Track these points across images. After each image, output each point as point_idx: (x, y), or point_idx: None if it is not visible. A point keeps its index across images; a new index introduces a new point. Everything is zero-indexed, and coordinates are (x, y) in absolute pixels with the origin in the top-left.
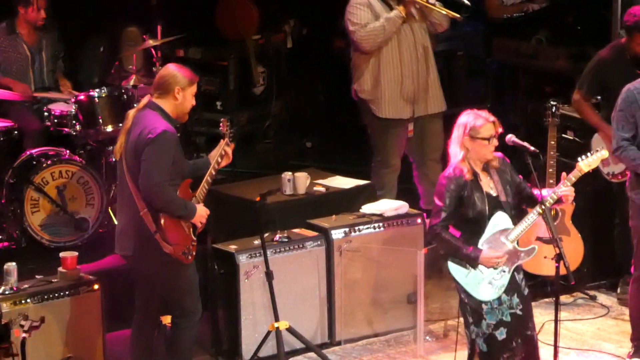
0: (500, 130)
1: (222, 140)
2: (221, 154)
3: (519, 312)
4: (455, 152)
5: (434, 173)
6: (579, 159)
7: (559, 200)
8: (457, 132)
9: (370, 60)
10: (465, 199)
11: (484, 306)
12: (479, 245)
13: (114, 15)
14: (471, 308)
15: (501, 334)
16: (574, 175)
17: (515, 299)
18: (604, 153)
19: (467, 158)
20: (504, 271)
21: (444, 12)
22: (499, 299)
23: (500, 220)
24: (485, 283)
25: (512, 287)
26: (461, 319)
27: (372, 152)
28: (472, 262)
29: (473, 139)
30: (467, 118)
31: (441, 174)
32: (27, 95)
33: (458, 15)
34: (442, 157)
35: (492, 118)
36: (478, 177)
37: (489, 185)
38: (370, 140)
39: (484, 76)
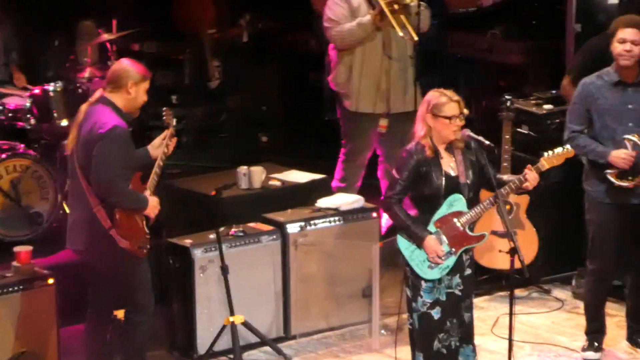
0: (466, 111)
1: (166, 131)
2: (167, 144)
3: (457, 292)
4: (418, 128)
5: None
6: (545, 153)
7: (519, 188)
8: (421, 109)
9: (346, 54)
10: (423, 175)
11: (423, 283)
12: (431, 224)
13: (69, 8)
14: (413, 282)
15: (436, 313)
16: (535, 170)
17: (457, 279)
18: (569, 149)
19: (429, 135)
20: (451, 253)
21: (401, 34)
22: (439, 278)
23: (455, 201)
24: (429, 262)
25: (455, 268)
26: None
27: (342, 143)
28: (417, 241)
29: (435, 116)
30: (432, 95)
31: (404, 147)
32: None
33: (415, 38)
34: None
35: (455, 97)
36: (439, 154)
37: (449, 165)
38: (341, 132)
39: (439, 71)
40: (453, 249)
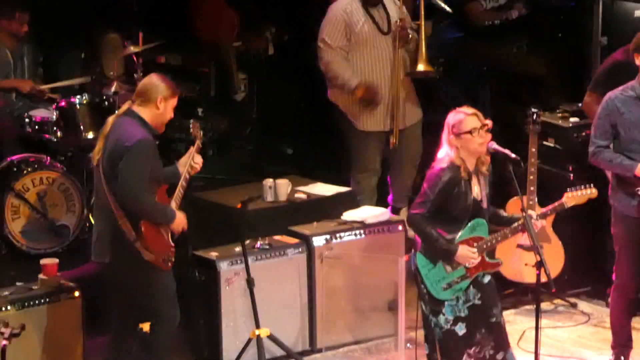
0: (488, 122)
1: (191, 147)
2: (192, 160)
3: (477, 302)
4: (447, 151)
5: (409, 177)
6: (568, 190)
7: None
8: (444, 134)
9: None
10: (455, 196)
11: (443, 302)
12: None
13: (94, 21)
14: (429, 300)
15: (461, 329)
16: (554, 209)
17: (472, 291)
18: (594, 192)
19: (459, 156)
20: (466, 277)
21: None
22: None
23: (479, 226)
24: (444, 283)
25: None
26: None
27: (351, 158)
28: (448, 256)
29: (457, 136)
30: (449, 117)
31: (435, 164)
32: (35, 88)
33: (432, 69)
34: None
35: (470, 111)
36: (471, 177)
37: (475, 190)
38: (348, 146)
39: (463, 83)
40: (468, 274)
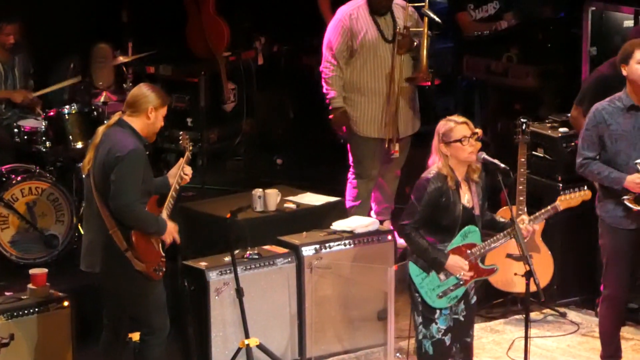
0: (478, 131)
1: (181, 159)
2: (182, 172)
3: (461, 318)
4: (435, 160)
5: (391, 186)
6: (562, 193)
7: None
8: (434, 141)
9: (349, 79)
10: (443, 205)
11: (437, 311)
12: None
13: (84, 31)
14: (423, 309)
15: (448, 339)
16: (547, 213)
17: (461, 306)
18: (587, 193)
19: (447, 164)
20: (461, 284)
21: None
22: (449, 306)
23: (470, 233)
24: (439, 291)
25: (461, 296)
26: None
27: (351, 163)
28: (438, 265)
29: (447, 144)
30: (439, 125)
31: (423, 174)
32: (28, 98)
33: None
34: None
35: (461, 119)
36: (459, 185)
37: (466, 197)
38: (350, 153)
39: (454, 94)
40: (462, 281)
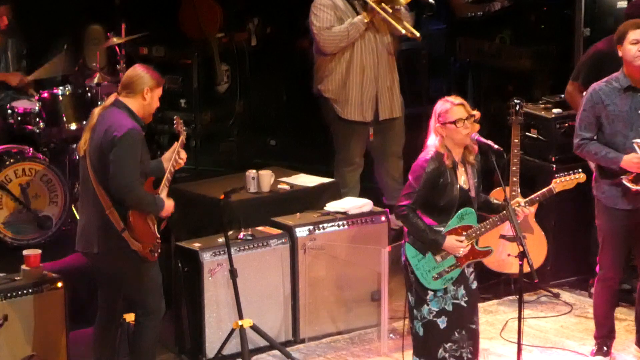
0: (475, 113)
1: (175, 143)
2: (177, 155)
3: (462, 304)
4: (433, 140)
5: (395, 169)
6: (557, 175)
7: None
8: (431, 122)
9: (336, 61)
10: (441, 186)
11: (429, 292)
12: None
13: (77, 13)
14: (416, 290)
15: (442, 322)
16: (542, 195)
17: (462, 291)
18: (582, 176)
19: (444, 145)
20: (456, 265)
21: (403, 31)
22: (445, 288)
23: (467, 214)
24: (435, 272)
25: (459, 280)
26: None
27: (335, 150)
28: (435, 247)
29: (443, 125)
30: (437, 105)
31: (421, 155)
32: (23, 81)
33: (417, 35)
34: (404, 153)
35: (458, 101)
36: (457, 166)
37: (462, 179)
38: (333, 138)
39: (447, 75)
40: (459, 262)
